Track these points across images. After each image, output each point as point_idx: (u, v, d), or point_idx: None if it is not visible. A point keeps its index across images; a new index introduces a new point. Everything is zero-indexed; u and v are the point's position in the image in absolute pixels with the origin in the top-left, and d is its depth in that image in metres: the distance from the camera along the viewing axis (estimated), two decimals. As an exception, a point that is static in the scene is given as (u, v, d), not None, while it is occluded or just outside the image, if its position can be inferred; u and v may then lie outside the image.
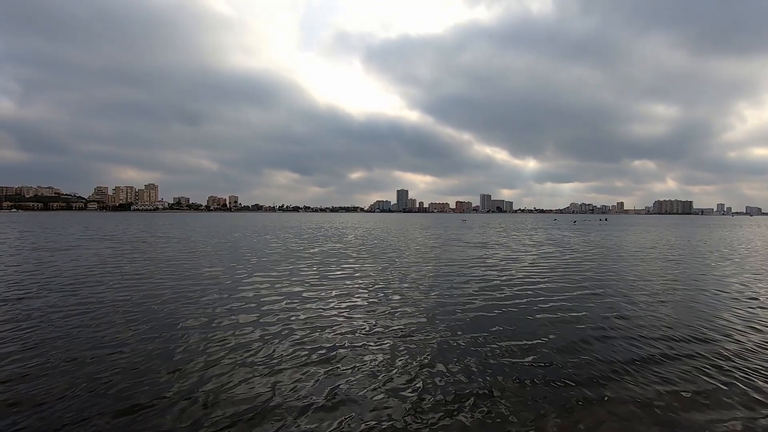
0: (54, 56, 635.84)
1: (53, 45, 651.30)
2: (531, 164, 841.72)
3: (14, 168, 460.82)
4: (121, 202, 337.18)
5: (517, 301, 11.06)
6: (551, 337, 7.97)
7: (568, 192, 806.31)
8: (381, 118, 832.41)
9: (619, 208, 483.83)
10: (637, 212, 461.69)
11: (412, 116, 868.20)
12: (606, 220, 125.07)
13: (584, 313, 9.85)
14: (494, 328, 8.47)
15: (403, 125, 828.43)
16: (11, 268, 16.26)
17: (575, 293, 12.13)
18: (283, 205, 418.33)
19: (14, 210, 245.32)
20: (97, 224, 63.95)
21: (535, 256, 21.92)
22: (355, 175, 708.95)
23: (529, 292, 12.17)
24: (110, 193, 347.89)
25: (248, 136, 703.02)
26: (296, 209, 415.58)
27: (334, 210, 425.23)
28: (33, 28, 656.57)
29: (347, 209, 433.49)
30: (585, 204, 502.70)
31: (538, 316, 9.55)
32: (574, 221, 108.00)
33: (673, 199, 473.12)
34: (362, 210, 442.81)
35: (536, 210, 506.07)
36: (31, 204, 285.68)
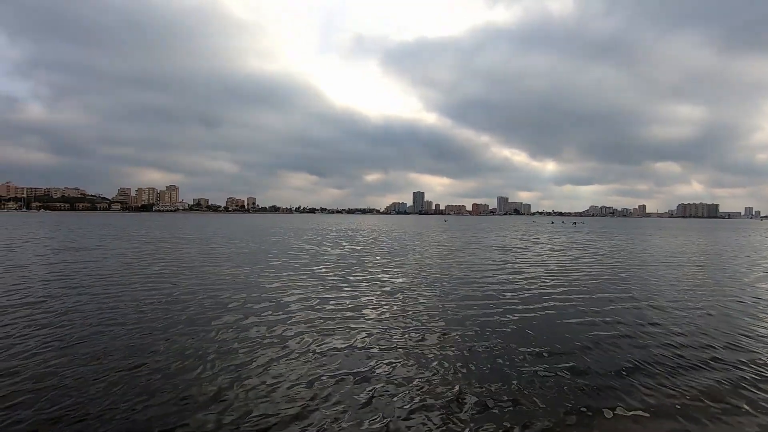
0: (82, 63, 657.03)
1: (81, 52, 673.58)
2: (550, 166, 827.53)
3: (43, 170, 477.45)
4: (143, 202, 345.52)
5: (544, 305, 10.93)
6: (583, 342, 7.84)
7: (588, 194, 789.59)
8: (398, 120, 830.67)
9: (641, 211, 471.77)
10: (659, 215, 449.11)
11: (430, 118, 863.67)
12: (583, 223, 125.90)
13: (615, 318, 9.65)
14: (523, 333, 8.38)
15: (421, 128, 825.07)
16: (42, 268, 16.84)
17: (603, 297, 11.90)
18: (299, 207, 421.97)
19: (42, 210, 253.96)
20: (121, 224, 65.73)
21: (561, 260, 21.58)
22: (372, 177, 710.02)
23: (555, 296, 12.00)
24: (133, 194, 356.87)
25: (266, 138, 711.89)
26: (312, 211, 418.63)
27: (350, 212, 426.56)
28: (63, 35, 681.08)
29: (363, 211, 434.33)
30: (605, 207, 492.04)
31: (567, 321, 9.41)
32: (552, 222, 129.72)
33: (698, 203, 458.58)
34: (378, 212, 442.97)
35: (555, 212, 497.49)
36: (58, 204, 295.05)
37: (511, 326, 8.89)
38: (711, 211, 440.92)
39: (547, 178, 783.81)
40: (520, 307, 10.69)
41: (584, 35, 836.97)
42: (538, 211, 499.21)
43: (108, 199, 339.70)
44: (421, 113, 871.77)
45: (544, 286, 13.82)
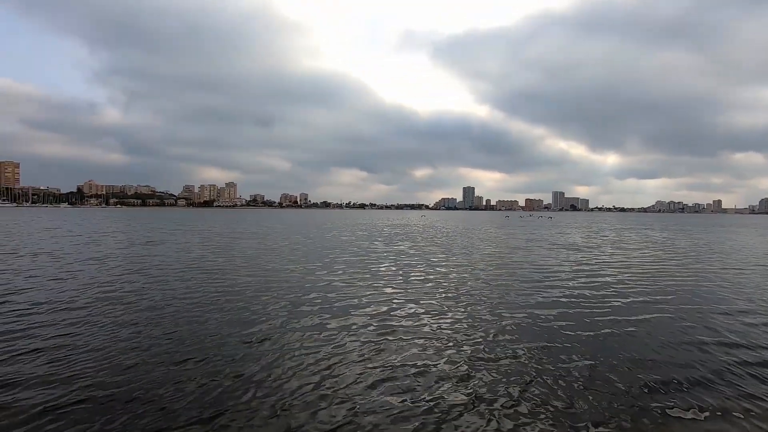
0: (151, 69, 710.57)
1: (150, 58, 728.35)
2: (611, 159, 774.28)
3: (119, 169, 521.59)
4: (205, 199, 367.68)
5: (632, 315, 9.79)
6: (684, 367, 6.79)
7: (654, 189, 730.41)
8: (447, 114, 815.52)
9: (716, 207, 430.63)
10: (738, 212, 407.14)
11: (481, 112, 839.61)
12: (550, 218, 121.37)
13: (717, 337, 8.39)
14: (607, 348, 7.44)
15: (471, 121, 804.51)
16: (121, 258, 17.93)
17: (699, 309, 10.50)
18: (349, 202, 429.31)
19: (119, 206, 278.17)
20: (188, 219, 69.95)
21: (641, 261, 19.75)
22: (420, 172, 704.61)
23: (642, 305, 10.77)
24: (196, 191, 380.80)
25: (317, 136, 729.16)
26: (362, 206, 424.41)
27: (399, 207, 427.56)
28: (135, 44, 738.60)
29: (412, 207, 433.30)
30: (674, 202, 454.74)
31: (663, 338, 8.29)
32: (521, 216, 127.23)
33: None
34: (427, 207, 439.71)
35: (616, 208, 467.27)
36: (132, 201, 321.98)
37: (594, 340, 7.94)
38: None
39: (607, 172, 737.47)
40: (603, 315, 9.63)
41: (649, 17, 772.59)
42: (597, 207, 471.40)
43: (174, 196, 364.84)
44: (471, 106, 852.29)
45: (629, 291, 12.52)
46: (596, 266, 17.60)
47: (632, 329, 8.44)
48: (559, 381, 5.89)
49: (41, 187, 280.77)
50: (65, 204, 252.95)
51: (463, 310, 9.87)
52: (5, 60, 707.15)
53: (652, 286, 13.24)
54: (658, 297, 11.54)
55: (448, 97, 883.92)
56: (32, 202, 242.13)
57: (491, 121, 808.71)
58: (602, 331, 8.24)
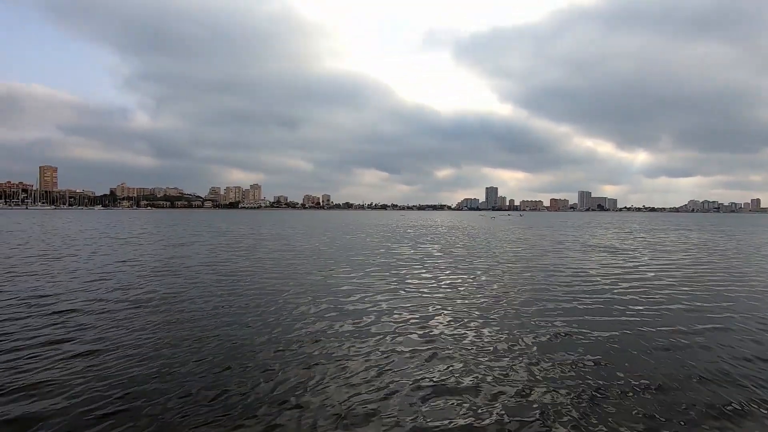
0: (178, 73, 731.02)
1: (178, 63, 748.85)
2: (641, 157, 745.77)
3: (149, 171, 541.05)
4: (230, 200, 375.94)
5: (692, 328, 9.11)
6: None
7: (688, 188, 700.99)
8: (470, 113, 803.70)
9: (755, 206, 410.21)
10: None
11: (504, 110, 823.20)
12: (521, 216, 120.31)
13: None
14: (656, 355, 6.86)
15: (494, 120, 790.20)
16: (154, 259, 18.20)
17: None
18: (371, 203, 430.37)
19: (149, 208, 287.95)
20: (214, 221, 71.33)
21: (689, 265, 18.72)
22: (442, 172, 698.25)
23: (700, 318, 10.04)
24: (222, 192, 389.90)
25: (339, 137, 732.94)
26: (384, 207, 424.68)
27: (420, 208, 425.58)
28: (163, 49, 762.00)
29: (434, 207, 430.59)
30: (708, 201, 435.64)
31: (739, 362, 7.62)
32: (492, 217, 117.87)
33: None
34: (449, 208, 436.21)
35: (646, 208, 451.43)
36: (161, 202, 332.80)
37: (655, 354, 7.34)
38: None
39: (637, 170, 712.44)
40: (658, 326, 8.97)
41: (682, 8, 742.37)
42: (626, 207, 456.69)
43: (201, 197, 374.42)
44: (494, 105, 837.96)
45: (680, 296, 11.75)
46: (637, 269, 16.74)
47: (698, 340, 7.78)
48: (626, 400, 5.41)
49: (77, 190, 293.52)
50: (99, 206, 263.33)
51: (503, 316, 9.40)
52: (43, 68, 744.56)
53: (704, 292, 12.40)
54: (714, 304, 10.75)
55: (470, 95, 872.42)
56: (69, 205, 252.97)
57: (515, 120, 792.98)
58: (659, 342, 7.64)
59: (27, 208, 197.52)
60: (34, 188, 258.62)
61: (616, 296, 11.57)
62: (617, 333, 8.15)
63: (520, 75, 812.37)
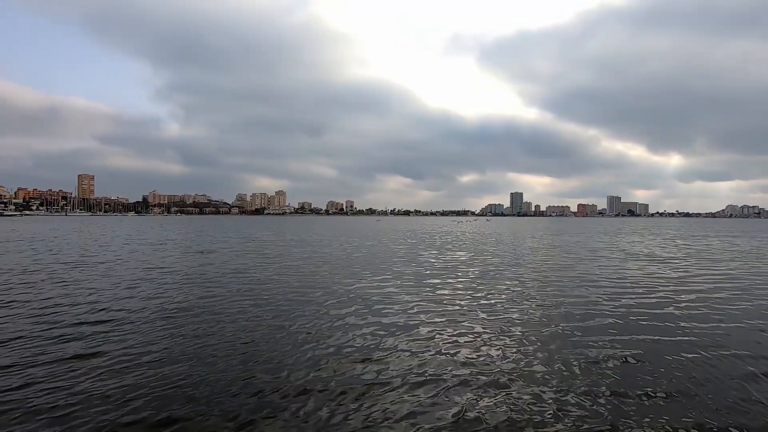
0: (207, 83, 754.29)
1: (207, 74, 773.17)
2: (674, 160, 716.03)
3: (179, 179, 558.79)
4: (256, 207, 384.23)
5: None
6: None
7: (726, 192, 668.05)
8: (495, 118, 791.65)
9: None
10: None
11: (530, 114, 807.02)
12: (488, 220, 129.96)
13: None
14: (718, 376, 6.02)
15: (519, 124, 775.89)
16: (184, 264, 18.23)
17: None
18: (394, 209, 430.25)
19: (179, 214, 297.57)
20: (242, 227, 72.40)
21: (751, 275, 17.35)
22: (467, 178, 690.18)
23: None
24: (248, 199, 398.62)
25: (363, 143, 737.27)
26: (407, 213, 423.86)
27: (444, 214, 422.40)
28: (193, 60, 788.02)
29: (458, 213, 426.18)
30: (748, 206, 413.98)
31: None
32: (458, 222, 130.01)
33: None
34: (473, 213, 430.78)
35: (680, 213, 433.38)
36: (190, 209, 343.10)
37: (718, 376, 6.50)
38: None
39: (670, 174, 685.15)
40: (718, 347, 8.08)
41: (718, 5, 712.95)
42: (658, 212, 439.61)
43: (228, 204, 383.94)
44: (519, 109, 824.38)
45: (735, 311, 10.70)
46: (688, 280, 15.55)
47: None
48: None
49: (112, 197, 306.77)
50: (132, 213, 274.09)
51: (544, 329, 8.69)
52: (83, 81, 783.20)
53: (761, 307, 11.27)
54: (787, 321, 9.69)
55: (495, 100, 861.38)
56: (104, 212, 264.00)
57: (541, 124, 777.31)
58: (718, 356, 6.79)
59: (66, 215, 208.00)
60: (73, 195, 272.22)
61: (676, 311, 10.64)
62: (695, 356, 7.32)
63: (547, 78, 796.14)
